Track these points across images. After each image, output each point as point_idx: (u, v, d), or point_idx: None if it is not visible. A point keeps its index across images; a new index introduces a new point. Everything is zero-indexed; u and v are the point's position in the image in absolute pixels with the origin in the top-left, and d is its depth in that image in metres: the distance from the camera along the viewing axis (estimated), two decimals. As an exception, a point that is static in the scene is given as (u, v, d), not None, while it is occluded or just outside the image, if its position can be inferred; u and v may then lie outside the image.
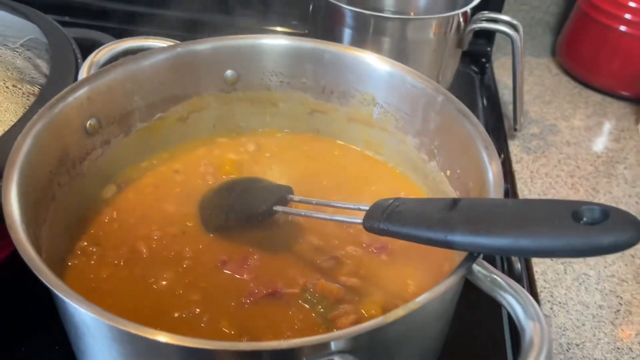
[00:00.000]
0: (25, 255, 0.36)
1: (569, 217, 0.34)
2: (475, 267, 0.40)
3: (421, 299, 0.36)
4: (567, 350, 0.57)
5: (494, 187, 0.45)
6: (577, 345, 0.58)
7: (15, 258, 0.54)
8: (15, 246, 0.37)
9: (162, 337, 0.33)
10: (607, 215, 0.33)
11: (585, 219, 0.34)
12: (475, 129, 0.50)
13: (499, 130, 0.87)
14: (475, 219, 0.38)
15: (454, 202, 0.40)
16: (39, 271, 0.35)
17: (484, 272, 0.40)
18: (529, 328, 0.36)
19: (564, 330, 0.59)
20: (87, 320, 0.36)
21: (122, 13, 1.00)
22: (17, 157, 0.43)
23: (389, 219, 0.42)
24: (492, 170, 0.46)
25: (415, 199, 0.44)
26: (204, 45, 0.58)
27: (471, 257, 0.39)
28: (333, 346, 0.34)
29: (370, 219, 0.44)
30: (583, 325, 0.60)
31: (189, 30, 0.89)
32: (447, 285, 0.37)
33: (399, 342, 0.39)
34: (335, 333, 0.34)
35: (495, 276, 0.40)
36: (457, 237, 0.38)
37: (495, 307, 0.58)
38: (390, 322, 0.35)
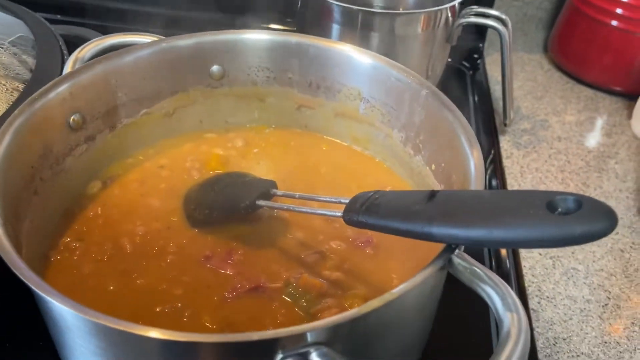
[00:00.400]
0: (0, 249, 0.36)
1: (544, 207, 0.34)
2: (456, 260, 0.40)
3: (398, 290, 0.36)
4: (554, 345, 0.57)
5: (475, 178, 0.44)
6: (564, 339, 0.58)
7: None
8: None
9: (134, 329, 0.33)
10: (581, 205, 0.33)
11: (559, 209, 0.34)
12: (458, 122, 0.50)
13: (489, 126, 0.87)
14: (452, 210, 0.38)
15: (432, 194, 0.40)
16: (13, 264, 0.35)
17: (464, 265, 0.40)
18: (507, 319, 0.36)
19: (551, 325, 0.59)
20: (63, 313, 0.36)
21: (113, 11, 1.00)
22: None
23: (367, 211, 0.42)
24: (474, 162, 0.45)
25: (394, 192, 0.43)
26: (187, 41, 0.58)
27: (449, 248, 0.39)
28: (309, 337, 0.34)
29: (349, 211, 0.44)
30: (570, 319, 0.60)
31: (179, 28, 0.88)
32: (425, 275, 0.37)
33: (378, 334, 0.39)
34: (311, 324, 0.34)
35: (475, 268, 0.39)
36: (434, 229, 0.37)
37: (483, 303, 0.58)
38: (366, 313, 0.35)
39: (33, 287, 0.34)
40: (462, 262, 0.40)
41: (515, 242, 0.36)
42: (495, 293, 0.38)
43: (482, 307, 0.58)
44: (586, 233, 0.32)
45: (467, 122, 0.49)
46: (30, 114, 0.47)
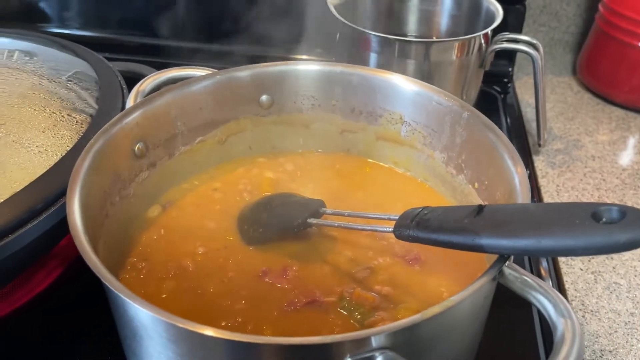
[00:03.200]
0: (89, 261, 0.40)
1: (589, 217, 0.36)
2: (507, 270, 0.42)
3: (456, 297, 0.38)
4: (601, 357, 0.58)
5: (521, 193, 0.47)
6: (610, 351, 0.59)
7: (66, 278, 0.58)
8: (81, 254, 0.40)
9: (216, 333, 0.36)
10: (625, 214, 0.35)
11: (604, 218, 0.36)
12: (500, 141, 0.52)
13: (523, 146, 0.89)
14: (500, 222, 0.40)
15: (479, 208, 0.42)
16: (103, 276, 0.39)
17: (515, 274, 0.42)
18: (561, 324, 0.38)
19: (597, 338, 0.60)
20: (146, 320, 0.39)
21: (155, 48, 1.06)
22: (77, 177, 0.47)
23: (418, 226, 0.45)
24: (518, 177, 0.48)
25: (442, 207, 0.46)
26: (244, 73, 0.63)
27: (502, 258, 0.42)
28: (374, 342, 0.36)
29: (400, 227, 0.47)
30: (615, 332, 0.61)
31: (219, 60, 0.94)
32: (480, 284, 0.40)
33: (435, 341, 0.41)
34: (376, 329, 0.36)
35: (526, 277, 0.42)
36: (484, 240, 0.40)
37: (526, 317, 0.60)
38: (428, 318, 0.37)
39: (121, 295, 0.38)
40: (512, 272, 0.42)
41: (562, 251, 0.38)
42: (547, 300, 0.40)
43: (525, 321, 0.60)
44: (631, 240, 0.34)
45: (509, 141, 0.52)
46: (104, 142, 0.52)
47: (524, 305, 0.60)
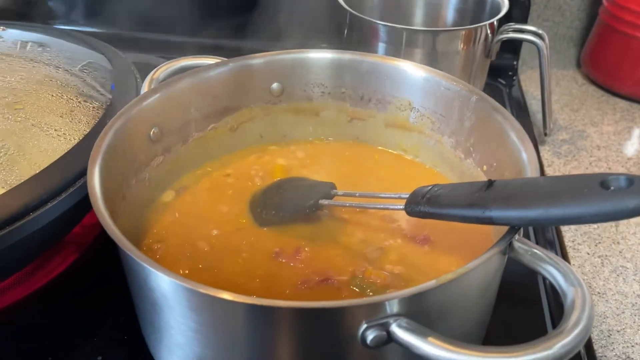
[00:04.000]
0: (111, 232, 0.41)
1: (598, 186, 0.37)
2: (516, 244, 0.43)
3: (469, 265, 0.39)
4: (609, 337, 0.59)
5: (530, 167, 0.48)
6: (618, 331, 0.60)
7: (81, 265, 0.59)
8: (104, 228, 0.42)
9: (238, 298, 0.37)
10: (632, 182, 0.36)
11: (612, 187, 0.37)
12: (507, 121, 0.54)
13: (529, 137, 0.90)
14: (510, 195, 0.41)
15: (489, 183, 0.43)
16: (125, 246, 0.40)
17: (525, 247, 0.43)
18: (571, 292, 0.39)
19: (605, 318, 0.61)
20: (167, 289, 0.40)
21: (160, 43, 1.08)
22: (97, 154, 0.48)
23: (429, 202, 0.46)
24: (526, 154, 0.49)
25: (452, 184, 0.47)
26: (256, 60, 0.64)
27: (512, 230, 0.43)
28: (388, 308, 0.38)
29: (411, 203, 0.48)
30: (623, 313, 0.62)
31: (224, 55, 0.95)
32: (492, 253, 0.40)
33: (447, 311, 0.42)
34: (392, 294, 0.37)
35: (535, 250, 0.43)
36: (494, 213, 0.41)
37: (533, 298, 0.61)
38: (442, 284, 0.38)
39: (145, 264, 0.39)
40: (522, 245, 0.43)
41: (572, 219, 0.39)
42: (557, 271, 0.41)
43: (533, 308, 0.61)
44: (639, 206, 0.36)
45: (516, 121, 0.53)
46: (122, 123, 0.53)
47: (532, 296, 0.62)
